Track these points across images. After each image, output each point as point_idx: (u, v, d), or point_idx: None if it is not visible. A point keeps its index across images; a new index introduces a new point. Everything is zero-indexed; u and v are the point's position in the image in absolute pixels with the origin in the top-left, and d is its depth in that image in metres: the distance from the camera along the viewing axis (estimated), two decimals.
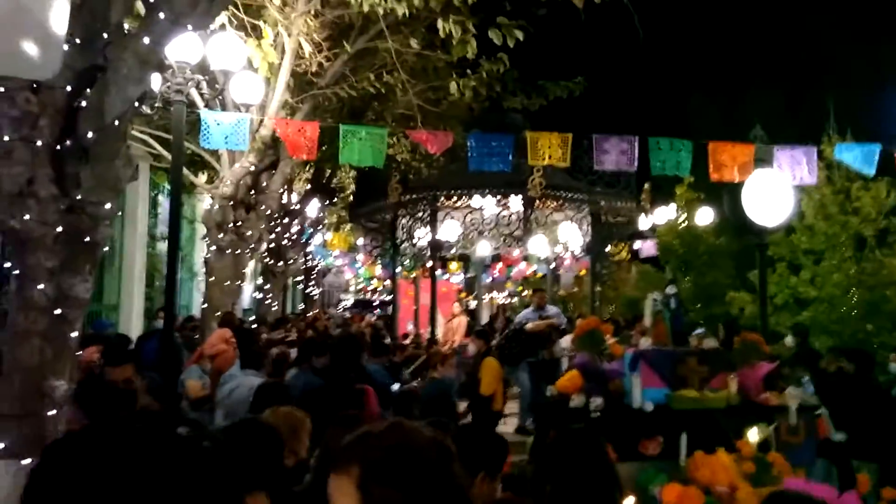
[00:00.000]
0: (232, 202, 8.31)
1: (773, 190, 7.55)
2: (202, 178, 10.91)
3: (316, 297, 29.88)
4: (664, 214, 16.27)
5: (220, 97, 7.67)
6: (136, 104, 3.57)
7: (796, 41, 22.55)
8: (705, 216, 15.73)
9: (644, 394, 4.11)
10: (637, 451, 3.89)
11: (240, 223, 8.37)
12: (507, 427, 9.48)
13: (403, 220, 11.07)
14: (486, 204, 10.69)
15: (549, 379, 7.54)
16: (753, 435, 3.82)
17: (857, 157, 7.81)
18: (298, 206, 14.78)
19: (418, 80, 9.24)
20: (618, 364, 4.36)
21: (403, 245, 11.07)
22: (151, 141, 8.91)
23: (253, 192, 8.74)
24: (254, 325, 9.67)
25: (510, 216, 10.35)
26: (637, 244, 16.67)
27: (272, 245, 12.95)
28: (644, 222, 14.11)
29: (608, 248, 12.37)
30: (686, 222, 16.59)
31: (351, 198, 16.88)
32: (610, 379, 4.30)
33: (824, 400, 4.47)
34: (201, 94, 7.33)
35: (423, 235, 10.79)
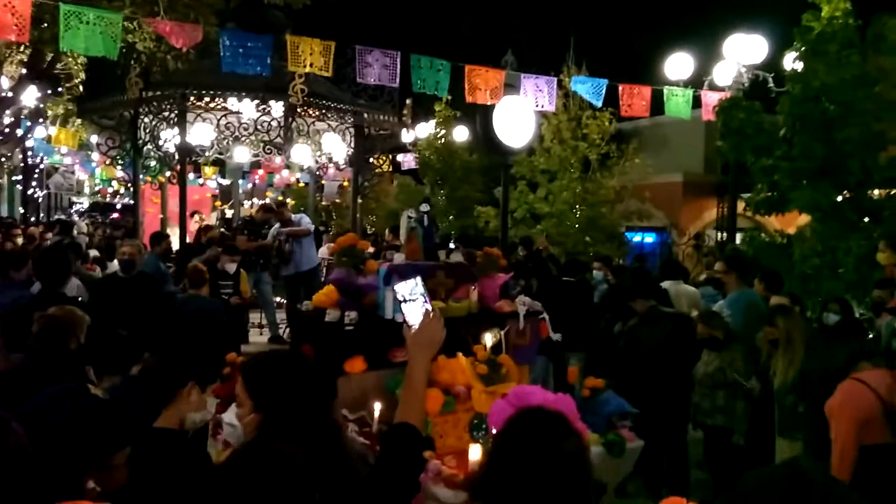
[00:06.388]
0: None
1: (519, 114, 8.21)
2: None
3: (41, 200, 25.95)
4: (424, 130, 16.86)
5: None
6: None
7: None
8: (461, 133, 16.65)
9: (396, 306, 4.32)
10: (388, 360, 4.12)
11: None
12: (262, 337, 9.45)
13: (146, 120, 9.88)
14: (244, 108, 9.99)
15: (307, 290, 7.59)
16: (488, 339, 4.26)
17: (589, 89, 8.78)
18: (11, 94, 12.40)
19: None
20: (373, 278, 4.50)
21: (147, 147, 9.94)
22: None
23: None
24: None
25: (270, 122, 9.83)
26: (399, 157, 17.13)
27: None
28: (406, 136, 14.47)
29: (371, 160, 12.50)
30: (444, 139, 17.40)
31: (81, 88, 14.54)
32: (365, 293, 4.44)
33: (546, 305, 5.13)
34: None
35: (170, 138, 9.78)
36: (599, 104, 9.09)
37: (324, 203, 17.46)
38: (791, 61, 8.00)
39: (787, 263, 7.29)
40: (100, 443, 1.81)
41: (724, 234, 11.54)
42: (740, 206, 9.69)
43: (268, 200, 10.61)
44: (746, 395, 4.85)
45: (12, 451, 1.28)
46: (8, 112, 12.61)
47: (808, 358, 4.37)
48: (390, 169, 16.56)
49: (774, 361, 4.51)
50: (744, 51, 9.22)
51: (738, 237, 9.99)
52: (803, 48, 7.62)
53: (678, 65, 9.72)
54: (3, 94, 12.15)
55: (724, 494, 1.17)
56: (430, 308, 2.07)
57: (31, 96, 13.58)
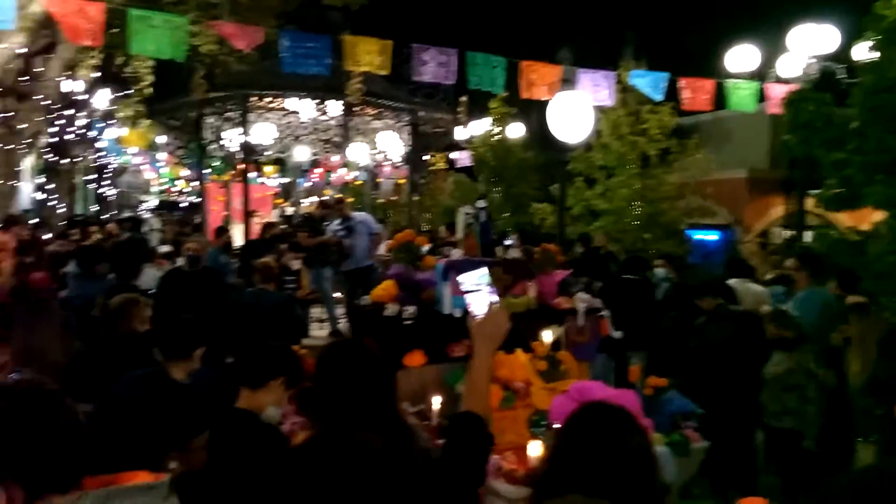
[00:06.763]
0: None
1: (576, 110, 8.09)
2: None
3: (112, 199, 27.14)
4: (479, 127, 16.83)
5: None
6: None
7: None
8: (517, 130, 16.53)
9: (454, 301, 4.35)
10: (446, 354, 4.14)
11: (10, 114, 7.22)
12: (322, 332, 9.61)
13: (210, 120, 10.22)
14: (303, 107, 10.21)
15: (365, 286, 7.68)
16: (547, 336, 4.23)
17: (648, 83, 8.59)
18: (85, 97, 12.99)
19: None
20: (430, 274, 4.54)
21: (211, 146, 10.28)
22: None
23: (27, 78, 7.53)
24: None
25: (329, 121, 10.01)
26: (454, 154, 17.16)
27: (54, 140, 11.38)
28: (461, 133, 14.49)
29: (426, 158, 12.57)
30: (499, 135, 17.32)
31: (149, 90, 15.12)
32: (423, 288, 4.47)
33: (607, 302, 5.06)
34: None
35: (233, 137, 10.09)
36: (660, 98, 8.88)
37: (380, 200, 17.65)
38: (865, 51, 7.61)
39: (860, 261, 6.95)
40: (180, 425, 1.87)
41: (793, 232, 11.10)
42: (809, 202, 9.29)
43: (327, 198, 10.81)
44: (819, 396, 4.65)
45: (65, 426, 1.34)
46: (82, 114, 13.22)
47: (882, 359, 4.17)
48: (445, 166, 16.62)
49: (850, 361, 4.32)
50: (812, 41, 8.85)
51: (808, 235, 9.58)
52: (878, 37, 7.24)
53: (741, 57, 9.40)
54: (78, 97, 12.73)
55: (814, 496, 1.10)
56: (495, 298, 2.05)
57: (103, 99, 14.22)
